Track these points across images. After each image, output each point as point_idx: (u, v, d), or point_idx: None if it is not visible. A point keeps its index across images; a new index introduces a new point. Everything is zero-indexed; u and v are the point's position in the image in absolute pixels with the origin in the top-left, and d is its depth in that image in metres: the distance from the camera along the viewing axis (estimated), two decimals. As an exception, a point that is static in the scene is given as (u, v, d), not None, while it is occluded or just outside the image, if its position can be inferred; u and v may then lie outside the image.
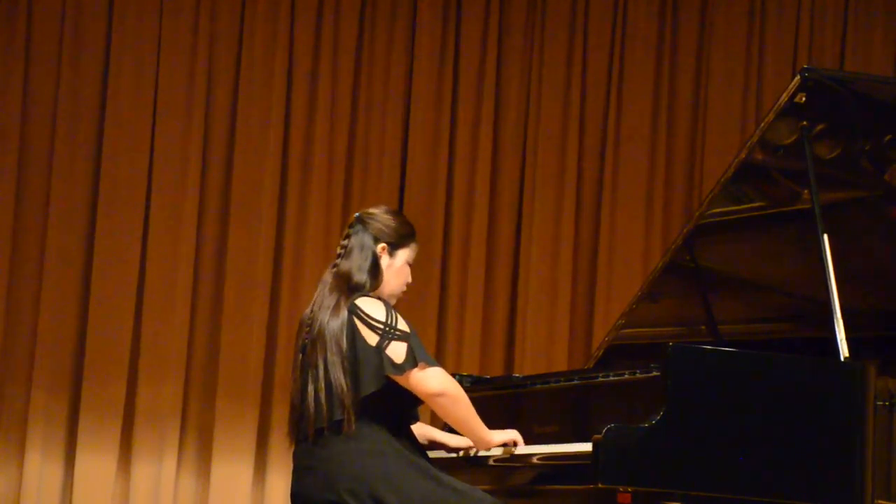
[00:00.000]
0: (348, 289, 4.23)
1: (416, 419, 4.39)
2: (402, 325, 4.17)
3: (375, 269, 4.28)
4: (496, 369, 7.25)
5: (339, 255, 4.32)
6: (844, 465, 4.11)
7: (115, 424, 7.05)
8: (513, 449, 4.39)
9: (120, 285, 7.13)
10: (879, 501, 4.17)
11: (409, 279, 4.38)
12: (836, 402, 4.15)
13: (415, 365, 4.11)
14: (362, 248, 4.28)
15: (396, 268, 4.32)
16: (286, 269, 7.27)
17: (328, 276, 4.30)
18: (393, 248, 4.32)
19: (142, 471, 7.06)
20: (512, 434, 4.33)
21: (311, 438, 4.17)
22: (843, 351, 4.24)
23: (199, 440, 7.17)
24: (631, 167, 7.51)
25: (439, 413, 4.25)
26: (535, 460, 4.27)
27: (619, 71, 7.56)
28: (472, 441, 4.38)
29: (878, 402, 4.19)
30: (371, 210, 4.37)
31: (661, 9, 7.59)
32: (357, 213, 4.37)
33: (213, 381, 7.18)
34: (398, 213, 4.45)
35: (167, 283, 7.16)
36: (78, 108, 7.19)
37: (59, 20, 7.19)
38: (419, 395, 4.16)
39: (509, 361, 7.40)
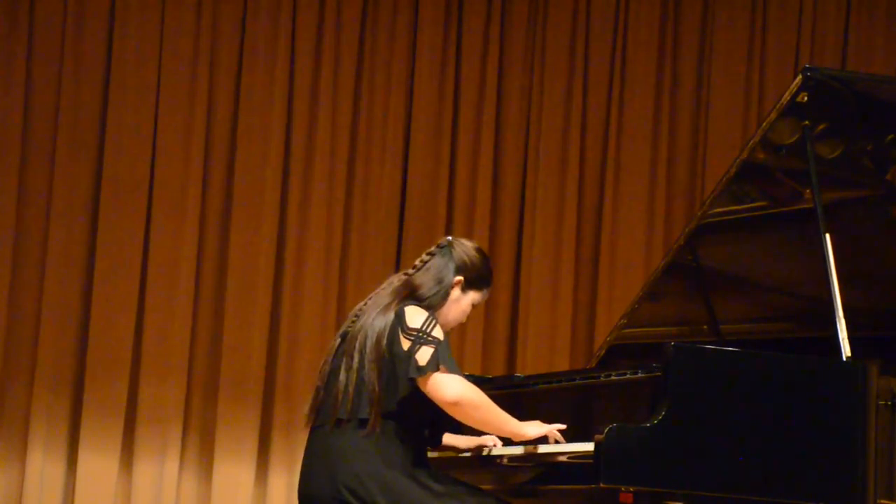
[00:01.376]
0: (406, 297, 4.26)
1: (434, 444, 4.39)
2: (437, 332, 4.18)
3: (441, 296, 4.30)
4: (498, 369, 7.24)
5: (415, 267, 4.36)
6: (846, 465, 4.11)
7: (118, 424, 7.05)
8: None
9: (122, 285, 7.13)
10: (881, 501, 4.17)
11: (464, 320, 4.41)
12: (838, 402, 4.15)
13: (436, 369, 4.11)
14: (440, 271, 4.32)
15: (461, 305, 4.36)
16: (288, 269, 7.26)
17: (395, 280, 4.35)
18: (467, 285, 4.36)
19: (144, 471, 7.06)
20: (545, 427, 4.26)
21: (330, 425, 4.19)
22: (845, 350, 4.24)
23: (200, 440, 7.17)
24: (633, 167, 7.50)
25: (460, 420, 4.23)
26: (536, 460, 4.27)
27: (621, 70, 7.55)
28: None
29: (880, 402, 4.18)
30: (464, 241, 4.42)
31: (662, 8, 7.59)
32: (449, 237, 4.42)
33: (215, 381, 7.17)
34: (487, 255, 4.46)
35: (169, 283, 7.16)
36: (80, 105, 7.19)
37: (62, 17, 7.19)
38: (436, 402, 4.13)
39: (511, 361, 7.39)
